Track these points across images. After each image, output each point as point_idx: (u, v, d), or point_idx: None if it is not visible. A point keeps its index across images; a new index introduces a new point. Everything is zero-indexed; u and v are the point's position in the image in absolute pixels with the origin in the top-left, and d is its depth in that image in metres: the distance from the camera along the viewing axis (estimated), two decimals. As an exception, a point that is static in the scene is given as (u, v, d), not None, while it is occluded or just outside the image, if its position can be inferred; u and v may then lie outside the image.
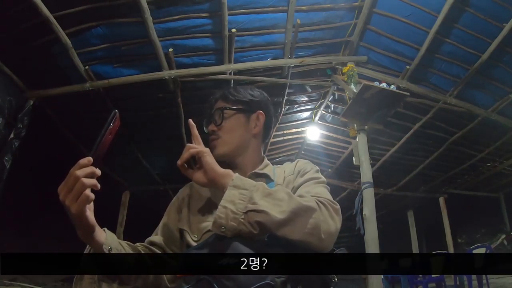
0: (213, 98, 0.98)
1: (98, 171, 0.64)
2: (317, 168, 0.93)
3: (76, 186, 0.61)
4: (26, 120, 3.26)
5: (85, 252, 0.73)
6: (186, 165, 0.78)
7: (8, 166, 3.14)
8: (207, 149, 0.78)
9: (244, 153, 0.94)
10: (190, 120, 0.82)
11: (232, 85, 3.72)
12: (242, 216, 0.66)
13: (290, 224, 0.66)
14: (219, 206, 0.68)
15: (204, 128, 0.96)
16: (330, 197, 0.78)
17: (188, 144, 0.78)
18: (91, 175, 0.63)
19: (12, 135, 3.19)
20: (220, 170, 0.76)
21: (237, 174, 0.75)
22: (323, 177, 0.89)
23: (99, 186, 0.64)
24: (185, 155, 0.76)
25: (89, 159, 0.63)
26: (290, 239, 0.67)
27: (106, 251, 0.71)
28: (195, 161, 0.77)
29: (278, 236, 0.67)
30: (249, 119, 0.94)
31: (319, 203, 0.71)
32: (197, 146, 0.78)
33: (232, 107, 0.93)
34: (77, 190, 0.61)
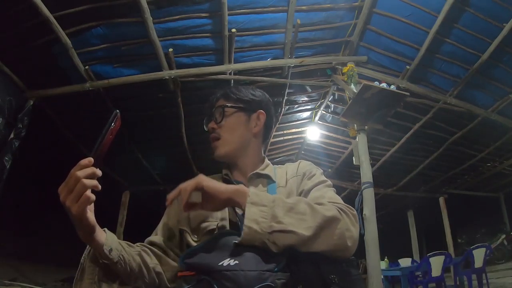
0: (214, 97, 0.97)
1: (99, 172, 0.64)
2: (321, 170, 0.93)
3: (76, 187, 0.61)
4: (26, 120, 3.26)
5: (85, 252, 0.73)
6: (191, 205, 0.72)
7: (8, 166, 3.14)
8: (201, 175, 0.72)
9: (245, 153, 0.93)
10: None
11: (232, 85, 3.72)
12: (267, 237, 0.65)
13: (317, 239, 0.66)
14: (243, 227, 0.65)
15: (205, 127, 0.95)
16: (343, 202, 0.77)
17: (180, 186, 0.72)
18: (91, 176, 0.62)
19: (12, 135, 3.18)
20: (228, 188, 0.71)
21: (251, 188, 0.73)
22: (328, 179, 0.89)
23: (99, 187, 0.63)
24: (185, 195, 0.70)
25: (90, 159, 0.63)
26: (315, 252, 0.66)
27: (107, 252, 0.70)
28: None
29: (302, 251, 0.66)
30: (249, 118, 0.94)
31: (340, 211, 0.71)
32: (190, 182, 0.71)
33: (233, 105, 0.92)
34: (77, 191, 0.61)
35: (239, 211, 0.77)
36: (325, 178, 0.88)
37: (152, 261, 0.81)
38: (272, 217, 0.66)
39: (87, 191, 0.62)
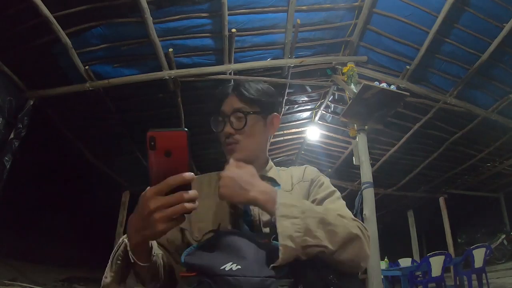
0: (223, 91, 0.91)
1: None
2: (328, 178, 0.93)
3: (176, 208, 0.56)
4: (26, 120, 3.26)
5: (118, 252, 0.69)
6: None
7: (8, 166, 3.14)
8: (232, 167, 0.74)
9: (257, 157, 0.91)
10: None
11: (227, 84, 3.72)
12: (301, 251, 0.65)
13: (340, 252, 0.68)
14: (280, 246, 0.64)
15: (213, 126, 0.90)
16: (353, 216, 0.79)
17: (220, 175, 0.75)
18: (193, 199, 0.58)
19: (12, 135, 3.19)
20: (255, 185, 0.72)
21: (279, 194, 0.71)
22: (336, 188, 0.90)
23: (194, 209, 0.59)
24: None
25: (192, 176, 0.57)
26: (334, 264, 0.68)
27: (154, 255, 0.69)
28: None
29: (320, 259, 0.67)
30: (265, 122, 0.91)
31: (361, 230, 0.72)
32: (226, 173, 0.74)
33: (253, 111, 0.87)
34: (174, 212, 0.57)
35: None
36: (334, 188, 0.89)
37: (167, 262, 0.80)
38: (305, 230, 0.66)
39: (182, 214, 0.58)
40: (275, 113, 0.93)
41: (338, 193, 0.87)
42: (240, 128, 0.85)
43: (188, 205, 0.56)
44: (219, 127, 0.88)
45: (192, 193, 0.57)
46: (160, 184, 0.56)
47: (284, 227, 0.65)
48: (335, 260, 0.68)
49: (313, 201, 0.84)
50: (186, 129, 0.58)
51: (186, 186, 0.57)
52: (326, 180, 0.90)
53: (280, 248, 0.63)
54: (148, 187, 0.58)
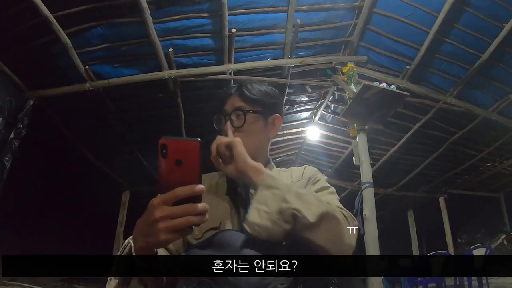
0: (226, 92, 0.93)
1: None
2: (326, 177, 0.93)
3: (181, 220, 0.55)
4: (26, 120, 3.26)
5: (122, 254, 0.69)
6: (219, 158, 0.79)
7: (8, 166, 3.14)
8: (239, 139, 0.78)
9: (257, 157, 0.89)
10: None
11: (232, 85, 3.73)
12: (276, 216, 0.66)
13: (317, 228, 0.68)
14: (252, 208, 0.68)
15: (215, 125, 0.92)
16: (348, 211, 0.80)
17: (219, 136, 0.80)
18: (203, 213, 0.56)
19: (12, 135, 3.19)
20: (251, 162, 0.75)
21: (267, 171, 0.75)
22: (332, 186, 0.90)
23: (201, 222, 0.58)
24: (217, 146, 0.78)
25: (203, 188, 0.56)
26: (312, 244, 0.68)
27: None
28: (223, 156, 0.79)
29: (301, 238, 0.68)
30: (266, 122, 0.92)
31: (344, 215, 0.73)
32: (227, 137, 0.79)
33: (254, 110, 0.89)
34: (179, 224, 0.55)
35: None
36: (329, 185, 0.89)
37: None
38: (282, 199, 0.68)
39: (189, 228, 0.57)
40: (277, 114, 0.94)
41: (332, 189, 0.88)
42: (239, 126, 0.87)
43: (193, 218, 0.55)
44: (221, 125, 0.90)
45: (201, 206, 0.56)
46: (168, 193, 0.55)
47: (263, 195, 0.69)
48: (315, 237, 0.68)
49: None
50: (199, 139, 0.55)
51: (195, 198, 0.56)
52: (322, 178, 0.91)
53: (252, 208, 0.66)
54: (158, 194, 0.57)
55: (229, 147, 0.77)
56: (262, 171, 0.74)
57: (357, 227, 0.75)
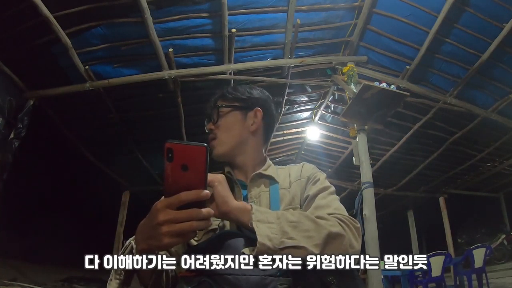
0: (213, 98, 0.97)
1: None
2: (325, 174, 0.92)
3: (184, 225, 0.55)
4: (26, 120, 3.26)
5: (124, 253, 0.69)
6: None
7: (8, 166, 3.14)
8: (220, 177, 0.71)
9: (244, 153, 0.92)
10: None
11: (232, 85, 3.73)
12: (279, 253, 0.63)
13: (322, 256, 0.65)
14: (258, 244, 0.63)
15: (206, 128, 0.95)
16: (346, 212, 0.78)
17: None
18: (207, 218, 0.57)
19: (12, 135, 3.19)
20: (234, 203, 0.69)
21: (254, 205, 0.70)
22: (331, 184, 0.89)
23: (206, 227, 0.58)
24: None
25: (208, 193, 0.56)
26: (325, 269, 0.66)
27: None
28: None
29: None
30: (246, 116, 0.93)
31: (344, 226, 0.71)
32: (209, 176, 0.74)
33: (228, 105, 0.92)
34: (182, 229, 0.56)
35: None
36: (329, 184, 0.88)
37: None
38: (282, 233, 0.65)
39: (191, 232, 0.57)
40: (257, 108, 0.94)
41: (331, 189, 0.87)
42: (216, 121, 0.91)
43: (197, 223, 0.55)
44: (206, 126, 0.95)
45: (205, 211, 0.56)
46: (172, 197, 0.55)
47: (261, 229, 0.65)
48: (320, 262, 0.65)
49: (306, 197, 0.85)
50: (205, 145, 0.54)
51: (200, 202, 0.55)
52: (322, 177, 0.90)
53: (258, 245, 0.63)
54: (163, 197, 0.57)
55: (210, 186, 0.70)
56: (247, 209, 0.69)
57: (359, 228, 0.74)
